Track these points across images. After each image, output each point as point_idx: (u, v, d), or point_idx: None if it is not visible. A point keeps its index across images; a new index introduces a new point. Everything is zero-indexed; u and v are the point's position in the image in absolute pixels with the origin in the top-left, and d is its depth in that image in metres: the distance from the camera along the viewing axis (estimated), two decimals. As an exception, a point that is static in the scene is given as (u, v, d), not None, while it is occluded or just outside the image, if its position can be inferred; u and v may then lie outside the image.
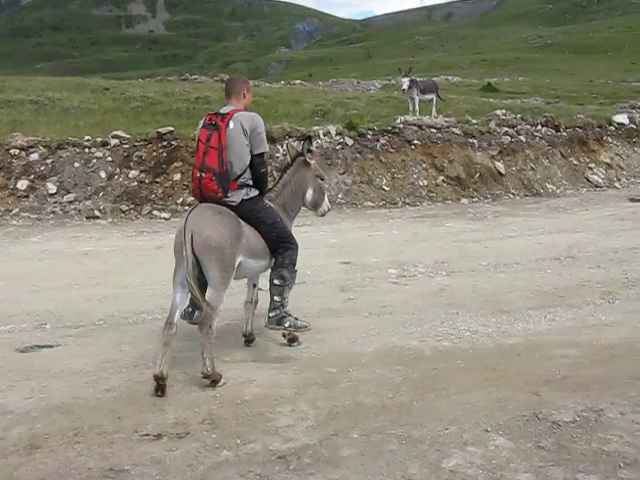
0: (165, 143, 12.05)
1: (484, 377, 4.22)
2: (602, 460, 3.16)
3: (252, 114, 4.56)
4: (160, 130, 12.15)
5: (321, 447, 3.33)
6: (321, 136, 13.29)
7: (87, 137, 12.07)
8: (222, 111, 4.53)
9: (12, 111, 15.12)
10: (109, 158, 11.84)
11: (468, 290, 6.52)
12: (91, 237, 9.59)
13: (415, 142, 13.94)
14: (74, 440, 3.43)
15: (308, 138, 5.11)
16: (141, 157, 11.90)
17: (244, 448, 3.33)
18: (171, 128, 12.24)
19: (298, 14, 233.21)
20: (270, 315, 4.55)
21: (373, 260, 7.90)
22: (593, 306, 5.88)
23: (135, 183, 11.59)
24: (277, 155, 12.39)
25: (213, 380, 4.08)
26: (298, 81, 34.18)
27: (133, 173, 11.70)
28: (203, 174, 4.32)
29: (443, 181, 13.65)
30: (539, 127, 16.09)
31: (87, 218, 10.89)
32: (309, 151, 4.98)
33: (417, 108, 16.25)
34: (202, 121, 4.54)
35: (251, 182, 4.55)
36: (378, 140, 13.72)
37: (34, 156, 11.65)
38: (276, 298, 4.54)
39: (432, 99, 16.84)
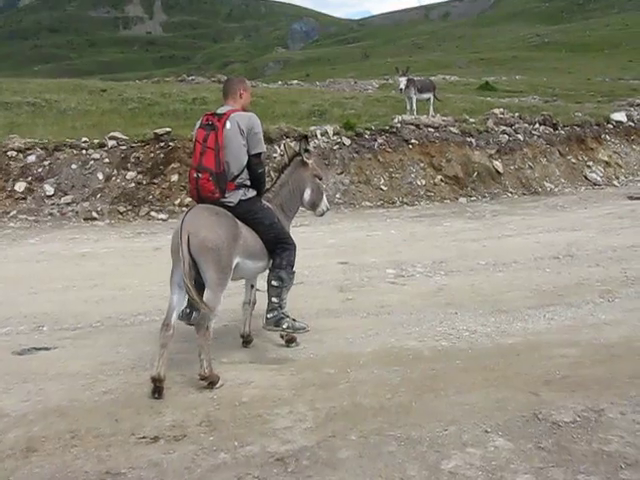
0: (162, 144, 12.03)
1: (483, 377, 4.20)
2: (603, 461, 3.14)
3: (249, 114, 4.54)
4: (157, 131, 12.12)
5: (319, 449, 3.31)
6: (318, 136, 13.26)
7: (84, 139, 12.04)
8: (219, 111, 4.51)
9: (9, 113, 15.12)
10: (106, 159, 11.81)
11: (467, 290, 6.50)
12: (89, 239, 9.56)
13: (413, 141, 13.92)
14: (71, 443, 3.41)
15: (304, 138, 5.10)
16: (138, 158, 11.87)
17: (242, 450, 3.31)
18: (168, 129, 12.22)
19: (295, 14, 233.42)
20: (268, 316, 4.53)
21: (371, 260, 7.88)
22: (592, 305, 5.86)
23: (132, 184, 11.56)
24: (274, 155, 12.36)
25: (210, 382, 4.05)
26: (295, 81, 34.21)
27: (130, 174, 11.67)
28: (200, 174, 4.30)
29: (441, 180, 13.63)
30: (537, 126, 16.08)
31: (84, 220, 10.86)
32: (306, 151, 4.95)
33: (414, 107, 16.23)
34: (199, 121, 4.52)
35: (249, 182, 4.52)
36: (376, 140, 13.70)
37: (31, 158, 11.62)
38: (274, 299, 4.52)
39: (429, 98, 16.82)
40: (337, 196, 12.43)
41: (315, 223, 9.87)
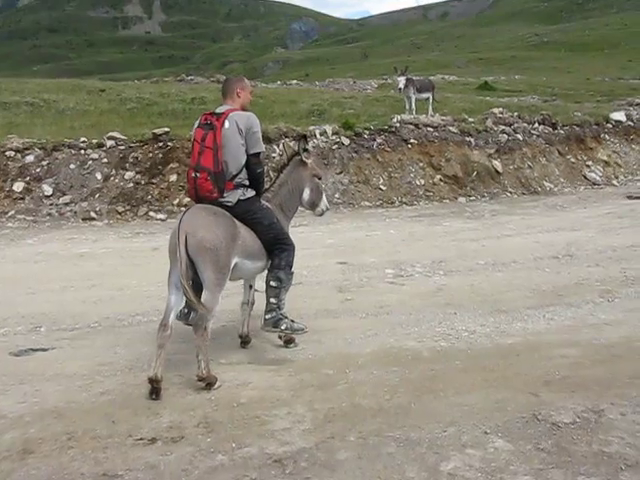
0: (161, 144, 12.01)
1: (483, 378, 4.18)
2: (603, 462, 3.12)
3: (248, 114, 4.52)
4: (156, 131, 12.10)
5: (317, 450, 3.29)
6: (317, 136, 13.24)
7: (83, 139, 12.02)
8: (218, 111, 4.49)
9: (8, 113, 15.11)
10: (105, 159, 11.79)
11: (466, 290, 6.48)
12: (87, 239, 9.53)
13: (412, 141, 13.90)
14: (67, 445, 3.39)
15: (303, 137, 5.07)
16: (137, 158, 11.85)
17: (239, 452, 3.29)
18: (167, 129, 12.20)
19: (294, 14, 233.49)
20: (266, 317, 4.51)
21: (370, 260, 7.86)
22: (592, 305, 5.84)
23: (131, 184, 11.54)
24: (273, 155, 12.34)
25: (208, 383, 4.03)
26: (294, 81, 34.20)
27: (129, 174, 11.65)
28: (198, 174, 4.29)
29: (440, 180, 13.61)
30: (536, 125, 16.06)
31: (83, 220, 10.84)
32: (305, 150, 4.93)
33: (414, 107, 16.22)
34: (198, 121, 4.50)
35: (247, 182, 4.50)
36: (375, 139, 13.68)
37: (30, 158, 11.60)
38: (272, 300, 4.50)
39: (428, 98, 16.81)
40: (336, 196, 12.41)
41: (314, 223, 9.85)
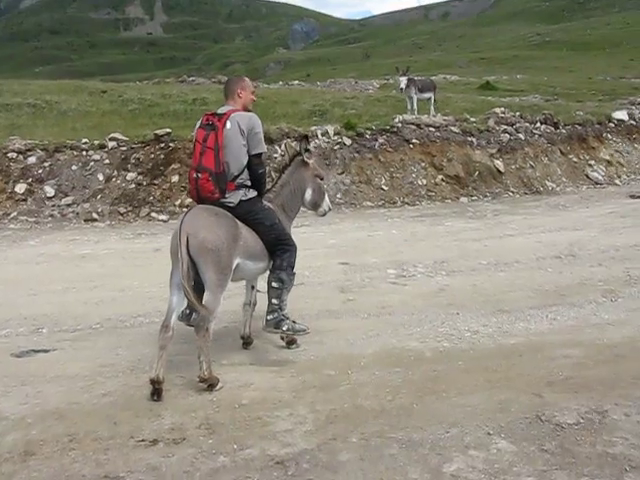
0: (163, 145, 12.00)
1: (485, 378, 4.16)
2: (607, 463, 3.10)
3: (249, 114, 4.51)
4: (157, 132, 12.09)
5: (319, 452, 3.27)
6: (319, 136, 13.23)
7: (84, 140, 12.02)
8: (219, 111, 4.48)
9: (10, 115, 15.13)
10: (107, 160, 11.79)
11: (468, 290, 6.46)
12: (89, 240, 9.53)
13: (414, 141, 13.88)
14: (69, 446, 3.38)
15: (305, 137, 5.06)
16: (139, 159, 11.85)
17: (241, 454, 3.27)
18: (168, 130, 12.19)
19: (295, 15, 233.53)
20: (268, 318, 4.50)
21: (372, 260, 7.84)
22: (595, 305, 5.83)
23: (133, 185, 11.53)
24: (275, 156, 12.33)
25: (210, 384, 4.02)
26: (296, 81, 34.25)
27: (131, 175, 11.65)
28: (199, 174, 4.28)
29: (442, 180, 13.59)
30: (538, 125, 16.03)
31: (85, 221, 10.83)
32: (307, 150, 4.92)
33: (415, 107, 16.20)
34: (199, 122, 4.50)
35: (249, 183, 4.49)
36: (376, 139, 13.66)
37: (32, 159, 11.61)
38: (274, 301, 4.49)
39: (430, 98, 16.79)
40: (338, 196, 12.39)
41: (316, 223, 9.84)
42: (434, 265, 7.55)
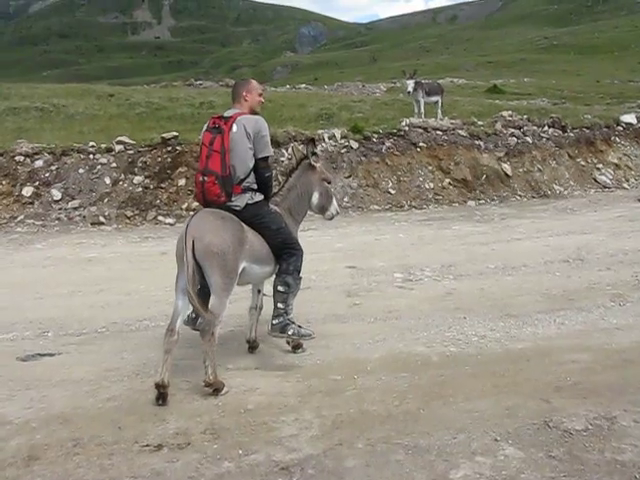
0: (170, 148, 12.02)
1: (493, 384, 4.12)
2: (616, 470, 3.06)
3: (256, 117, 4.49)
4: (164, 135, 12.13)
5: (325, 458, 3.25)
6: (326, 139, 13.23)
7: (92, 143, 12.06)
8: (226, 114, 4.47)
9: (17, 118, 15.19)
10: (114, 164, 11.82)
11: (475, 294, 6.42)
12: (95, 243, 9.55)
13: (421, 145, 13.86)
14: (73, 451, 3.36)
15: (312, 141, 5.03)
16: (146, 163, 11.87)
17: (246, 459, 3.25)
18: (175, 133, 12.23)
19: (303, 18, 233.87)
20: (273, 322, 4.47)
21: (379, 264, 7.82)
22: (603, 309, 5.77)
23: (140, 189, 11.56)
24: (282, 159, 12.33)
25: (215, 388, 4.00)
26: (303, 85, 34.30)
27: (138, 179, 11.67)
28: (206, 178, 4.27)
29: (449, 183, 13.56)
30: (546, 128, 15.98)
31: (92, 224, 10.86)
32: (314, 154, 4.89)
33: (422, 110, 16.18)
34: (206, 125, 4.49)
35: (255, 186, 4.48)
36: (383, 143, 13.65)
37: (39, 163, 11.65)
38: (280, 305, 4.46)
39: (437, 101, 16.76)
40: (345, 200, 12.38)
41: (323, 227, 9.82)
42: (441, 269, 7.51)
